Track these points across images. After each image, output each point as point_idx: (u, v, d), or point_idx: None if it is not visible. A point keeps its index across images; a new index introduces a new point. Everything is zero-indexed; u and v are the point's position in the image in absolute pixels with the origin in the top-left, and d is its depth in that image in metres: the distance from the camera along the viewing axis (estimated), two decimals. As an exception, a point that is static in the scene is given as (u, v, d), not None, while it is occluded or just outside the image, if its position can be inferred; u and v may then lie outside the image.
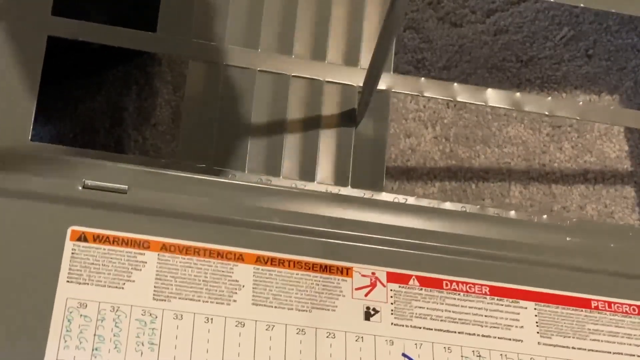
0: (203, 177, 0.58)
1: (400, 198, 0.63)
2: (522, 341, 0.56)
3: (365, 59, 0.67)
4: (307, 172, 0.64)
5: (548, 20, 0.92)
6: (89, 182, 0.54)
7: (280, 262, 0.55)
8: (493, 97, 0.69)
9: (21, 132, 0.58)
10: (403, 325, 0.55)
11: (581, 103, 0.80)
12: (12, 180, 0.53)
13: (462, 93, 0.69)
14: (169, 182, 0.57)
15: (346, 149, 0.66)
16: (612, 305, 0.59)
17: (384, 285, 0.56)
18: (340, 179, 0.65)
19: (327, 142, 0.66)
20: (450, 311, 0.56)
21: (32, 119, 0.59)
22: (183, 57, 0.66)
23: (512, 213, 0.66)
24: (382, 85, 0.67)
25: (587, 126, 0.88)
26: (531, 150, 0.86)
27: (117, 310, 0.50)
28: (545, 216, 0.67)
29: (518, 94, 0.70)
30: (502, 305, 0.57)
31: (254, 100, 0.65)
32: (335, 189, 0.63)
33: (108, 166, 0.56)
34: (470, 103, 0.71)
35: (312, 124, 0.66)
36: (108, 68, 0.81)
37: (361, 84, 0.67)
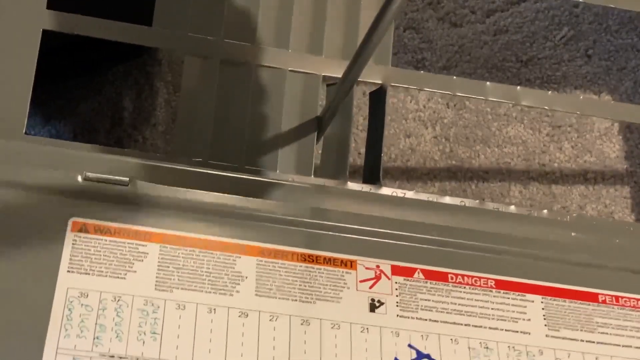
0: (204, 170, 0.57)
1: (399, 192, 0.63)
2: (529, 333, 0.55)
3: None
4: (304, 166, 0.63)
5: (548, 20, 0.92)
6: (90, 174, 0.54)
7: (284, 255, 0.54)
8: (492, 92, 0.69)
9: (16, 127, 0.58)
10: (409, 317, 0.54)
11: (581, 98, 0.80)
12: (13, 172, 0.53)
13: (461, 88, 0.68)
14: (170, 175, 0.56)
15: (345, 143, 0.65)
16: (620, 299, 0.58)
17: (388, 278, 0.55)
18: (338, 173, 0.65)
19: (325, 136, 0.66)
20: (456, 304, 0.55)
21: (27, 113, 0.58)
22: (179, 51, 0.65)
23: (512, 207, 0.65)
24: (378, 80, 0.67)
25: (586, 126, 0.88)
26: (531, 150, 0.86)
27: (118, 300, 0.49)
28: (545, 211, 0.66)
29: (518, 87, 0.69)
30: (509, 298, 0.56)
31: (251, 94, 0.65)
32: (334, 183, 0.63)
33: (109, 158, 0.55)
34: (468, 97, 0.71)
35: (309, 118, 0.65)
36: (108, 68, 0.80)
37: (361, 78, 0.67)
